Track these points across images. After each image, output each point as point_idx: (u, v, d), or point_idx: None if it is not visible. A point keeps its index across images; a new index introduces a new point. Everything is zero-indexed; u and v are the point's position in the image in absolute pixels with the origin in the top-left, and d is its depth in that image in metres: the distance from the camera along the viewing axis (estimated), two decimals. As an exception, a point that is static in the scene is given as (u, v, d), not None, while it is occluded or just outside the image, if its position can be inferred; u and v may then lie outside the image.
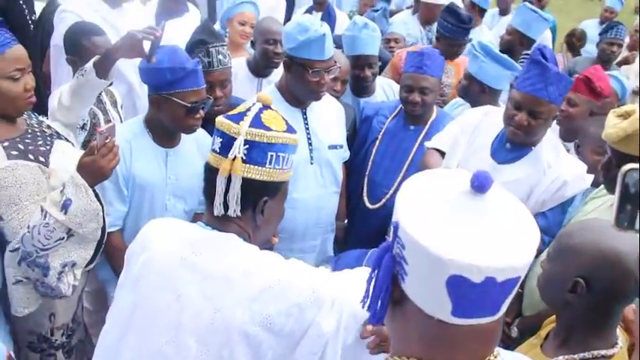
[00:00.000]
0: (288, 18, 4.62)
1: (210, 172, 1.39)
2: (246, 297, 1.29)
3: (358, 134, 3.00)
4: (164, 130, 2.30)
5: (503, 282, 0.79)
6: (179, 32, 2.99)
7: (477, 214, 0.81)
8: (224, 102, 2.59)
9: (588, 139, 2.51)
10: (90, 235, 1.95)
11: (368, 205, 2.86)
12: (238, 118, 1.37)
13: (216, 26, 3.65)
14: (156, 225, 1.47)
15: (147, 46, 2.13)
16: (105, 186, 2.19)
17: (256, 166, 1.35)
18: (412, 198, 0.84)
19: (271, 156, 1.36)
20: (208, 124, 2.41)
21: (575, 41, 5.20)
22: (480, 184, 0.81)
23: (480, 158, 2.39)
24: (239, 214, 1.37)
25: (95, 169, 1.88)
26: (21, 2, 3.79)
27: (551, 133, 2.46)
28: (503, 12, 5.78)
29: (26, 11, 3.78)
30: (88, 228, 1.92)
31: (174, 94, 2.17)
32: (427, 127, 2.85)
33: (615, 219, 0.89)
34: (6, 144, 1.91)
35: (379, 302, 0.87)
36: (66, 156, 2.02)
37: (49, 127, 2.13)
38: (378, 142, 2.90)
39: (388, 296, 0.86)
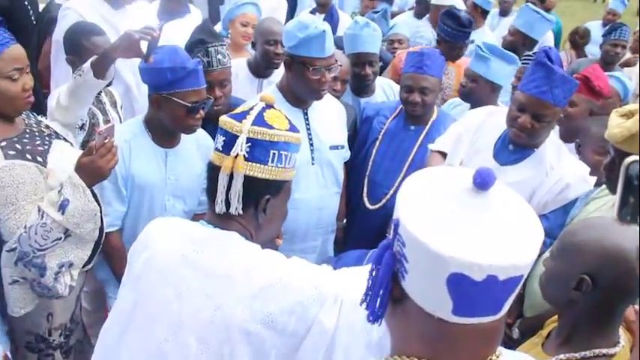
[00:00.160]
0: (290, 20, 4.62)
1: (213, 171, 1.39)
2: (248, 295, 1.29)
3: (359, 134, 2.99)
4: (164, 130, 2.29)
5: (505, 280, 0.77)
6: (180, 33, 2.98)
7: (479, 212, 0.79)
8: (223, 102, 2.58)
9: (590, 139, 2.49)
10: (87, 235, 1.94)
11: (368, 205, 2.85)
12: (241, 117, 1.38)
13: (218, 27, 3.65)
14: (158, 223, 1.48)
15: (145, 46, 2.12)
16: (104, 186, 2.18)
17: (258, 164, 1.35)
18: (413, 195, 0.83)
19: (274, 154, 1.36)
20: (208, 125, 2.41)
21: (578, 39, 5.18)
22: (483, 181, 0.80)
23: (483, 159, 2.37)
24: (241, 212, 1.36)
25: (93, 169, 1.87)
26: (26, 3, 3.80)
27: (554, 134, 2.44)
28: (504, 13, 5.76)
29: (31, 12, 3.79)
30: (86, 228, 1.91)
31: (175, 93, 2.16)
32: (428, 127, 2.84)
33: (618, 212, 0.87)
34: (3, 144, 1.90)
35: (379, 300, 0.85)
36: (64, 156, 2.01)
37: (47, 126, 2.12)
38: (378, 143, 2.89)
39: (388, 294, 0.85)
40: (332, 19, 4.42)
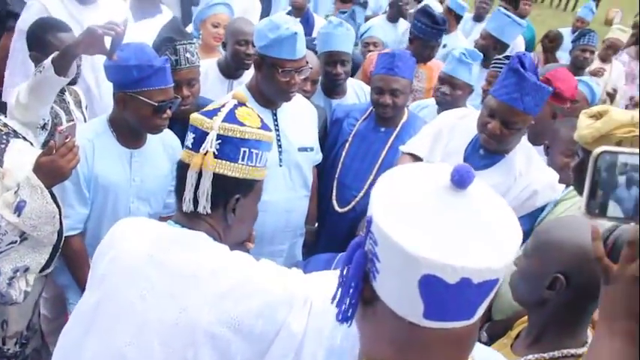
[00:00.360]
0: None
1: (182, 169, 1.37)
2: (214, 296, 1.25)
3: (328, 136, 2.96)
4: (129, 129, 2.23)
5: (479, 284, 0.74)
6: (150, 33, 2.92)
7: (455, 211, 0.76)
8: (191, 102, 2.52)
9: (558, 142, 2.50)
10: (45, 238, 1.86)
11: (337, 208, 2.82)
12: (212, 114, 1.36)
13: (190, 29, 3.60)
14: (124, 223, 1.44)
15: (109, 42, 2.06)
16: (65, 187, 2.11)
17: (228, 162, 1.33)
18: (388, 192, 0.79)
19: (244, 152, 1.34)
20: (175, 125, 2.36)
21: (547, 43, 5.25)
22: (461, 179, 0.76)
23: (454, 163, 2.34)
24: (209, 211, 1.34)
25: (53, 169, 1.80)
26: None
27: (525, 140, 2.43)
28: (478, 18, 5.81)
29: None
30: (43, 231, 1.84)
31: (141, 92, 2.11)
32: (398, 129, 2.83)
33: (586, 206, 0.84)
34: (-44, 142, 1.83)
35: (348, 300, 0.82)
36: (22, 155, 1.93)
37: (5, 125, 2.04)
38: (348, 145, 2.87)
39: (358, 295, 0.81)
40: (307, 22, 4.41)
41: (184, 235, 1.34)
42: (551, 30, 5.11)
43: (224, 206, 1.36)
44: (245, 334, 1.24)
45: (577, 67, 4.75)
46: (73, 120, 2.52)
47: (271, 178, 2.47)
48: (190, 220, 1.36)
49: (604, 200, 0.83)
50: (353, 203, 2.79)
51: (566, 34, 6.03)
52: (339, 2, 5.63)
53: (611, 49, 5.66)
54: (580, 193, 1.99)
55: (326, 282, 1.31)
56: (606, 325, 0.93)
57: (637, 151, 0.83)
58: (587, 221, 0.88)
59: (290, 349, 1.25)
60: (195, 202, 1.34)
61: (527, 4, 6.64)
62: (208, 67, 3.11)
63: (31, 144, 2.11)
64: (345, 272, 0.83)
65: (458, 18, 5.05)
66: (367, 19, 5.61)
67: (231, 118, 1.34)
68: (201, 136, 1.33)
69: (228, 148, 1.32)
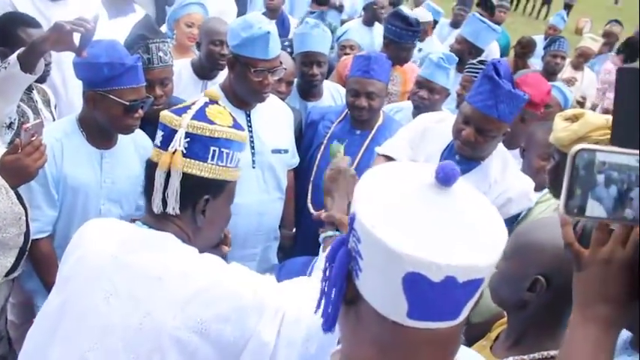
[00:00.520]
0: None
1: (151, 168, 1.33)
2: (180, 300, 1.21)
3: (304, 139, 2.94)
4: (99, 129, 2.18)
5: (464, 283, 0.72)
6: (123, 32, 2.86)
7: (439, 209, 0.74)
8: (164, 101, 2.47)
9: (534, 145, 2.52)
10: (10, 241, 1.80)
11: (313, 211, 2.78)
12: (182, 111, 1.33)
13: (164, 29, 3.55)
14: (92, 224, 1.40)
15: (78, 39, 2.00)
16: (32, 188, 2.05)
17: (197, 161, 1.29)
18: (371, 189, 0.77)
19: (214, 151, 1.30)
20: (147, 125, 2.30)
21: (519, 49, 5.33)
22: (446, 177, 0.75)
23: None
24: (178, 212, 1.30)
25: (19, 168, 1.75)
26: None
27: (501, 146, 2.42)
28: (455, 24, 5.87)
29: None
30: (9, 233, 1.78)
31: (112, 91, 2.06)
32: (373, 132, 2.82)
33: (564, 206, 0.82)
34: None
35: (332, 300, 0.80)
36: (-15, 154, 1.86)
37: (-32, 123, 1.97)
38: (323, 147, 2.84)
39: (342, 294, 0.79)
40: (283, 25, 4.39)
41: (151, 236, 1.31)
42: (524, 36, 5.19)
43: (193, 207, 1.32)
44: (213, 339, 1.20)
45: (549, 72, 4.84)
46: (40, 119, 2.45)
47: (244, 180, 2.40)
48: (158, 221, 1.33)
49: (582, 199, 0.82)
50: (329, 206, 2.77)
51: (539, 41, 6.14)
52: (315, 5, 5.63)
53: (582, 57, 5.79)
54: (556, 195, 2.00)
55: (298, 291, 1.29)
56: (580, 312, 0.92)
57: (615, 149, 0.82)
58: (561, 214, 0.86)
59: (262, 359, 1.22)
60: (164, 202, 1.30)
61: (503, 11, 6.75)
62: (182, 68, 3.06)
63: (-4, 143, 2.04)
64: (327, 273, 0.80)
65: (434, 23, 5.09)
66: (343, 22, 5.62)
67: (201, 115, 1.31)
68: (169, 134, 1.30)
69: (197, 146, 1.29)
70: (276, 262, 2.73)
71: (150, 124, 2.31)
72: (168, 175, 1.29)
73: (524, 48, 5.04)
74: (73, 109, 2.73)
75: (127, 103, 2.08)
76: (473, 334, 2.01)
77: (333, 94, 3.28)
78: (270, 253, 2.72)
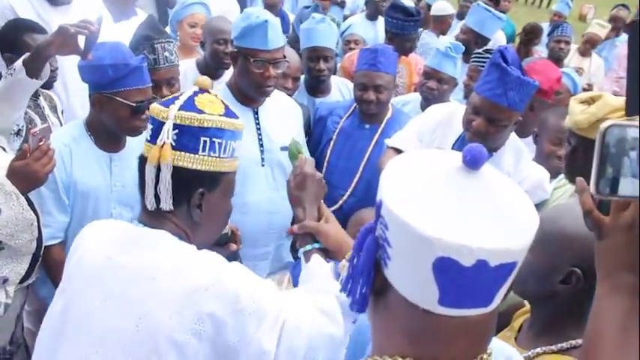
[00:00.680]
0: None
1: (142, 163, 1.28)
2: (175, 300, 1.17)
3: (312, 135, 2.91)
4: (107, 133, 2.16)
5: (496, 267, 0.70)
6: (126, 34, 2.85)
7: (468, 192, 0.72)
8: (172, 102, 2.45)
9: (546, 130, 2.49)
10: (23, 247, 1.78)
11: (324, 208, 2.75)
12: (169, 102, 1.27)
13: (167, 30, 3.54)
14: (93, 225, 1.37)
15: (82, 41, 1.98)
16: (43, 195, 2.04)
17: (187, 153, 1.24)
18: (397, 175, 0.76)
19: (204, 142, 1.24)
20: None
21: (523, 36, 5.29)
22: (473, 159, 0.73)
23: None
24: (171, 207, 1.25)
25: (28, 173, 1.73)
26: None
27: (514, 137, 2.37)
28: (461, 16, 5.83)
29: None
30: (21, 239, 1.76)
31: (117, 93, 2.04)
32: (383, 125, 2.78)
33: (595, 185, 0.79)
34: None
35: (360, 290, 0.77)
36: (-6, 161, 1.85)
37: (-24, 131, 1.96)
38: (332, 143, 2.82)
39: (370, 284, 0.77)
40: (282, 21, 4.36)
41: (146, 234, 1.27)
42: (529, 23, 5.14)
43: (188, 202, 1.27)
44: (211, 342, 1.17)
45: (554, 58, 4.79)
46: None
47: (253, 178, 2.42)
48: (154, 218, 1.28)
49: (614, 177, 0.79)
50: (340, 202, 2.74)
51: (544, 29, 6.08)
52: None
53: (589, 44, 5.74)
54: (572, 181, 1.96)
55: (298, 299, 1.26)
56: (605, 283, 0.88)
57: None
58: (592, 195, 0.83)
59: None
60: (157, 198, 1.25)
61: (507, 0, 6.70)
62: (187, 68, 3.05)
63: (4, 149, 2.03)
64: (355, 261, 0.78)
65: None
66: (345, 18, 5.59)
67: (189, 105, 1.25)
68: (158, 127, 1.25)
69: (187, 138, 1.23)
70: (290, 260, 2.70)
71: (158, 126, 2.30)
72: (159, 169, 1.24)
73: (529, 34, 4.99)
74: (74, 115, 2.72)
75: (134, 105, 2.05)
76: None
77: (341, 89, 3.25)
78: (283, 252, 2.68)
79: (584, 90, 5.03)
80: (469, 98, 2.30)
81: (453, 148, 2.34)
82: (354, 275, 0.78)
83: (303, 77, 3.13)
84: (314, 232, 1.40)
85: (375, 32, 5.00)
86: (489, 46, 3.93)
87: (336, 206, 2.74)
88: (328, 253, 1.40)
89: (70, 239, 2.18)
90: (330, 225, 1.42)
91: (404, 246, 0.72)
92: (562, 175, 2.10)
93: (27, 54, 2.01)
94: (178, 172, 1.24)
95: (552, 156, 2.47)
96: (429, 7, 5.02)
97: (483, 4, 4.34)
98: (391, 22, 3.61)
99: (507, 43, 5.68)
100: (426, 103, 3.05)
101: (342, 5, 6.05)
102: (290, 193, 1.47)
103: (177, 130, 1.23)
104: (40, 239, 1.87)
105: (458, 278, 0.70)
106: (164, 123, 1.24)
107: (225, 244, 1.59)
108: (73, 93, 2.81)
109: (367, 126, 2.80)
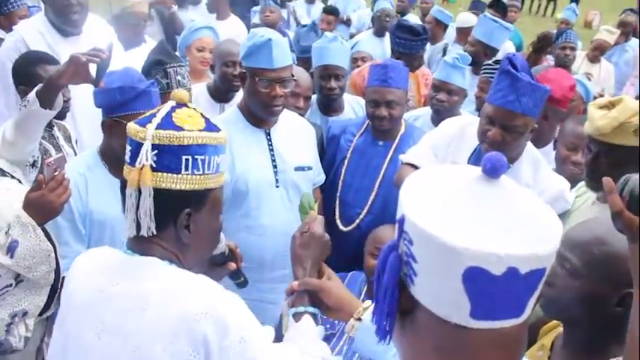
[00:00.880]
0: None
1: (124, 187, 1.22)
2: (166, 331, 1.13)
3: (326, 154, 2.88)
4: (120, 160, 2.13)
5: (527, 274, 0.68)
6: (138, 62, 2.87)
7: (491, 201, 0.71)
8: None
9: (563, 135, 2.48)
10: (42, 279, 1.77)
11: (341, 227, 2.73)
12: (146, 121, 1.20)
13: (175, 55, 3.56)
14: (86, 254, 1.33)
15: (94, 69, 1.99)
16: (59, 225, 2.02)
17: (170, 174, 1.17)
18: (417, 189, 0.75)
19: (186, 160, 1.17)
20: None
21: (537, 43, 5.27)
22: (493, 167, 0.72)
23: None
24: (154, 232, 1.19)
25: (44, 204, 1.72)
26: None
27: (532, 147, 2.32)
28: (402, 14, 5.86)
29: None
30: (39, 271, 1.75)
31: (125, 116, 2.01)
32: (396, 141, 2.75)
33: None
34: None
35: (385, 310, 0.75)
36: (10, 193, 1.85)
37: (-8, 164, 1.97)
38: (347, 161, 2.79)
39: (395, 303, 0.74)
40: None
41: (134, 263, 1.21)
42: (542, 32, 5.13)
43: (174, 223, 1.21)
44: None
45: (561, 65, 4.74)
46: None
47: (268, 200, 2.40)
48: (141, 244, 1.22)
49: None
50: (357, 221, 2.70)
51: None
52: (325, 14, 5.67)
53: (598, 50, 5.70)
54: (592, 188, 1.92)
55: (288, 353, 1.22)
56: None
57: None
58: None
59: None
60: (138, 224, 1.19)
61: (514, 10, 6.71)
62: (198, 92, 3.06)
63: (20, 182, 2.03)
64: (379, 280, 0.76)
65: (445, 27, 5.06)
66: (352, 36, 5.61)
67: (166, 123, 1.18)
68: (136, 148, 1.18)
69: (167, 158, 1.16)
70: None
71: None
72: (139, 193, 1.17)
73: (542, 42, 4.98)
74: (82, 145, 2.72)
75: (141, 130, 2.05)
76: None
77: (354, 107, 3.23)
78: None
79: (595, 98, 5.01)
80: (482, 110, 2.27)
81: (469, 162, 2.29)
82: (378, 297, 0.76)
83: (315, 96, 3.12)
84: (317, 289, 1.35)
85: (382, 49, 5.01)
86: (498, 56, 3.91)
87: (354, 225, 2.71)
88: (328, 313, 1.36)
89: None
90: (332, 282, 1.37)
91: (431, 260, 0.70)
92: (582, 183, 2.06)
93: (40, 85, 2.03)
94: (162, 194, 1.17)
95: (567, 161, 2.45)
96: (437, 20, 5.01)
97: (490, 15, 4.34)
98: (399, 42, 3.61)
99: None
100: (437, 116, 3.03)
101: (347, 23, 6.08)
102: (293, 251, 1.43)
103: (156, 151, 1.16)
104: (57, 270, 1.86)
105: (489, 288, 0.68)
106: (142, 144, 1.17)
107: (224, 264, 1.54)
108: (80, 124, 2.83)
109: (381, 143, 2.77)
